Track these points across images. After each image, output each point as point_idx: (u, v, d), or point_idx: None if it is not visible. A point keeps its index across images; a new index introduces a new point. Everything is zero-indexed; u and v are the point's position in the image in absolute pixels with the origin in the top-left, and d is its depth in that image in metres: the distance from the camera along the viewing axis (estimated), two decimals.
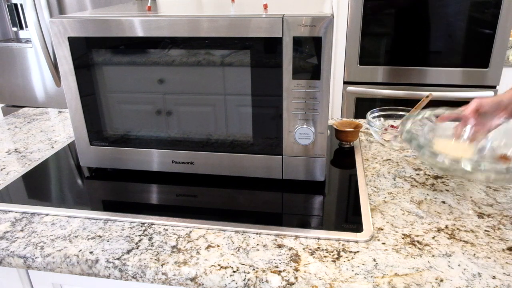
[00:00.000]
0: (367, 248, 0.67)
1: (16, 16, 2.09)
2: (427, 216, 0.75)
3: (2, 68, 2.20)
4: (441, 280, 0.60)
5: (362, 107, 1.98)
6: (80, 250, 0.69)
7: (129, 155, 0.90)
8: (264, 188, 0.86)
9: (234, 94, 0.81)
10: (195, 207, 0.79)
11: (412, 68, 1.86)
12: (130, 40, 0.80)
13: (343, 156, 1.00)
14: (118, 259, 0.66)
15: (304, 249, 0.68)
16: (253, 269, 0.63)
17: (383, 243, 0.68)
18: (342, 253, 0.66)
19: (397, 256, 0.66)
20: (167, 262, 0.65)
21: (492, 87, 1.83)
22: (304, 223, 0.73)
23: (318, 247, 0.68)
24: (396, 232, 0.71)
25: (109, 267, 0.66)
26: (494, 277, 0.61)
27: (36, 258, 0.68)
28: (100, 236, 0.72)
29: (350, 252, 0.67)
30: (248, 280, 0.62)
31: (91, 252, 0.68)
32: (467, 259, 0.64)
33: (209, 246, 0.69)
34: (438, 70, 1.84)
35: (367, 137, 1.11)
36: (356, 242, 0.69)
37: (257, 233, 0.72)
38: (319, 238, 0.70)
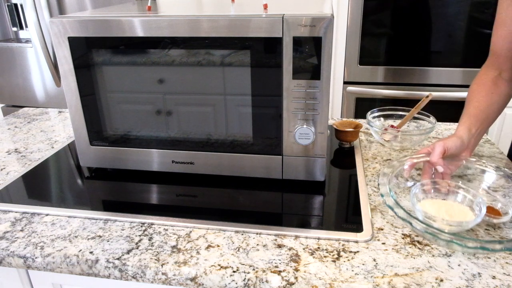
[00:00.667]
0: (367, 248, 0.67)
1: (16, 16, 2.09)
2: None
3: (2, 68, 2.19)
4: (441, 280, 0.60)
5: (362, 107, 1.98)
6: (80, 250, 0.69)
7: (129, 155, 0.90)
8: (264, 188, 0.86)
9: (234, 94, 0.81)
10: (195, 207, 0.79)
11: (412, 68, 1.86)
12: (130, 40, 0.80)
13: (343, 156, 1.00)
14: (118, 259, 0.66)
15: (304, 249, 0.68)
16: (253, 269, 0.63)
17: (383, 243, 0.68)
18: (342, 253, 0.66)
19: (397, 256, 0.66)
20: (167, 262, 0.65)
21: None
22: (304, 223, 0.73)
23: (318, 247, 0.68)
24: (396, 232, 0.71)
25: (109, 267, 0.66)
26: (494, 277, 0.61)
27: (36, 258, 0.68)
28: (100, 236, 0.72)
29: (350, 252, 0.67)
30: (248, 280, 0.62)
31: (91, 252, 0.68)
32: (467, 259, 0.64)
33: (209, 246, 0.69)
34: (438, 70, 1.84)
35: (367, 137, 1.11)
36: (356, 242, 0.69)
37: (257, 233, 0.72)
38: (319, 238, 0.70)
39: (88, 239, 0.71)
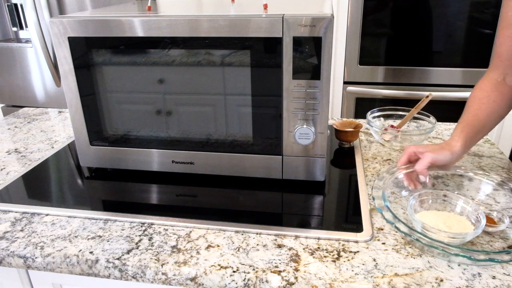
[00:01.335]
0: (367, 248, 0.67)
1: (16, 16, 2.08)
2: None
3: (2, 68, 2.19)
4: (441, 280, 0.60)
5: (362, 107, 1.98)
6: (80, 250, 0.69)
7: (129, 155, 0.90)
8: (264, 188, 0.86)
9: (234, 94, 0.81)
10: (195, 207, 0.79)
11: (412, 68, 1.86)
12: (130, 40, 0.80)
13: (343, 156, 1.00)
14: (118, 259, 0.66)
15: (304, 249, 0.68)
16: (253, 269, 0.63)
17: (383, 243, 0.68)
18: (342, 253, 0.66)
19: (397, 256, 0.66)
20: (167, 262, 0.65)
21: None
22: (304, 223, 0.73)
23: (318, 247, 0.68)
24: (396, 232, 0.71)
25: (109, 267, 0.66)
26: (494, 277, 0.61)
27: (36, 258, 0.68)
28: (100, 236, 0.72)
29: (350, 252, 0.67)
30: (248, 280, 0.62)
31: (91, 252, 0.68)
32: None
33: (209, 246, 0.69)
34: (438, 70, 1.84)
35: (367, 137, 1.11)
36: (356, 242, 0.69)
37: (257, 233, 0.72)
38: (319, 238, 0.70)
39: (88, 239, 0.71)
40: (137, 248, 0.69)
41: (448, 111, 1.87)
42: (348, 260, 0.65)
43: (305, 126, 0.80)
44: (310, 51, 0.75)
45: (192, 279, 0.64)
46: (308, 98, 0.78)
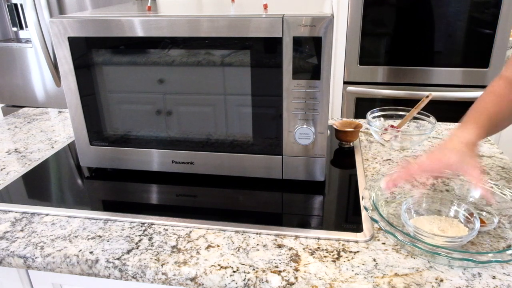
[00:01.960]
0: (367, 248, 0.67)
1: (16, 16, 2.08)
2: (427, 215, 0.74)
3: (2, 68, 2.19)
4: (441, 280, 0.60)
5: (362, 107, 1.98)
6: (80, 250, 0.69)
7: (129, 155, 0.90)
8: (264, 188, 0.86)
9: (234, 94, 0.81)
10: (195, 207, 0.79)
11: (412, 68, 1.86)
12: (130, 40, 0.80)
13: (343, 156, 1.00)
14: (118, 259, 0.66)
15: (304, 249, 0.68)
16: (253, 269, 0.63)
17: (383, 243, 0.68)
18: (342, 253, 0.66)
19: (397, 256, 0.66)
20: (167, 262, 0.65)
21: None
22: (304, 223, 0.73)
23: (318, 247, 0.68)
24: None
25: (109, 267, 0.66)
26: (494, 277, 0.61)
27: (36, 258, 0.68)
28: (100, 236, 0.72)
29: (350, 252, 0.67)
30: (248, 280, 0.62)
31: (91, 252, 0.68)
32: None
33: (209, 246, 0.69)
34: (438, 70, 1.84)
35: (367, 137, 1.11)
36: (356, 242, 0.69)
37: (257, 233, 0.72)
38: (319, 238, 0.70)
39: (88, 239, 0.71)
40: (137, 248, 0.69)
41: (448, 111, 1.87)
42: (348, 260, 0.65)
43: (305, 126, 0.80)
44: (310, 51, 0.75)
45: (192, 279, 0.64)
46: (308, 98, 0.78)
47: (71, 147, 1.09)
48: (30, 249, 0.69)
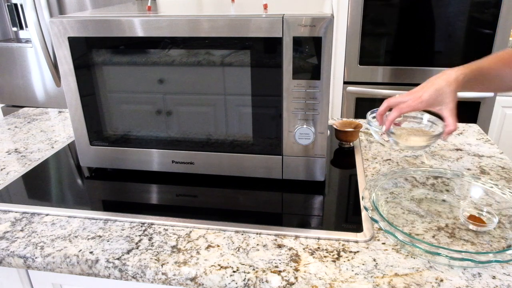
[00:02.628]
0: (367, 248, 0.67)
1: (16, 16, 2.08)
2: (427, 215, 0.75)
3: (2, 68, 2.19)
4: (441, 280, 0.60)
5: (362, 107, 1.98)
6: (80, 250, 0.69)
7: (129, 155, 0.90)
8: (264, 188, 0.86)
9: (234, 94, 0.81)
10: (195, 207, 0.79)
11: (412, 68, 1.86)
12: (130, 40, 0.80)
13: (343, 156, 1.00)
14: (118, 259, 0.66)
15: (304, 249, 0.68)
16: (253, 269, 0.63)
17: (383, 243, 0.68)
18: (342, 253, 0.66)
19: (397, 256, 0.66)
20: (167, 262, 0.65)
21: None
22: (304, 223, 0.73)
23: (318, 247, 0.68)
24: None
25: (109, 267, 0.66)
26: (494, 277, 0.61)
27: (36, 258, 0.68)
28: (100, 236, 0.72)
29: (350, 252, 0.67)
30: (248, 280, 0.62)
31: (91, 252, 0.68)
32: None
33: (209, 246, 0.69)
34: (438, 70, 1.84)
35: (367, 137, 1.11)
36: (356, 242, 0.69)
37: (257, 233, 0.72)
38: (319, 238, 0.70)
39: (88, 239, 0.71)
40: (137, 248, 0.69)
41: None
42: (348, 260, 0.65)
43: (305, 126, 0.80)
44: (310, 51, 0.75)
45: (192, 279, 0.64)
46: (308, 98, 0.78)
47: (71, 147, 1.09)
48: (30, 249, 0.69)
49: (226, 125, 0.84)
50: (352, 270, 0.63)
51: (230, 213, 0.77)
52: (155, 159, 0.90)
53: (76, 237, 0.72)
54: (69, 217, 0.78)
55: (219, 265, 0.64)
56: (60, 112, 1.38)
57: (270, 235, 0.71)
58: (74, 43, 0.82)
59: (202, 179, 0.90)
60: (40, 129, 1.22)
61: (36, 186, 0.89)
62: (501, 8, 1.72)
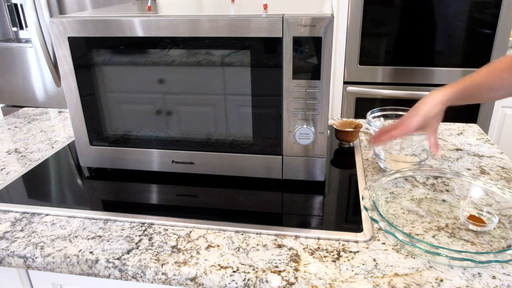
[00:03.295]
0: (367, 248, 0.67)
1: (16, 16, 2.08)
2: (427, 215, 0.75)
3: (2, 68, 2.19)
4: (441, 280, 0.60)
5: (362, 107, 1.98)
6: (80, 250, 0.69)
7: (129, 155, 0.90)
8: (264, 188, 0.86)
9: (234, 94, 0.81)
10: (195, 207, 0.79)
11: (412, 68, 1.86)
12: (130, 40, 0.80)
13: (343, 156, 1.00)
14: (118, 259, 0.66)
15: (304, 249, 0.68)
16: (253, 269, 0.63)
17: (383, 243, 0.68)
18: (342, 253, 0.66)
19: (397, 256, 0.66)
20: (167, 262, 0.65)
21: None
22: (304, 223, 0.73)
23: (318, 247, 0.68)
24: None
25: (109, 267, 0.66)
26: (494, 277, 0.61)
27: (36, 258, 0.68)
28: (100, 236, 0.72)
29: (350, 252, 0.67)
30: (248, 280, 0.62)
31: (91, 252, 0.68)
32: None
33: (209, 246, 0.69)
34: (438, 70, 1.84)
35: (367, 137, 1.11)
36: (356, 242, 0.69)
37: (257, 233, 0.72)
38: (319, 238, 0.70)
39: (88, 239, 0.71)
40: (137, 248, 0.69)
41: (448, 111, 1.87)
42: (348, 260, 0.65)
43: (305, 126, 0.80)
44: (310, 51, 0.75)
45: (192, 279, 0.64)
46: (308, 98, 0.78)
47: (71, 147, 1.09)
48: (30, 249, 0.69)
49: (226, 125, 0.84)
50: (352, 270, 0.63)
51: (230, 213, 0.77)
52: (155, 159, 0.90)
53: (76, 237, 0.72)
54: (69, 217, 0.78)
55: (219, 265, 0.64)
56: (60, 112, 1.38)
57: (270, 235, 0.71)
58: (74, 43, 0.82)
59: (202, 179, 0.90)
60: (40, 129, 1.22)
61: (36, 186, 0.89)
62: (501, 8, 1.72)
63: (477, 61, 1.80)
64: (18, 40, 2.16)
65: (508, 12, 1.72)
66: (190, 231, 0.73)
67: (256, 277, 0.62)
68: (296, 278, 0.61)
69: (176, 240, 0.71)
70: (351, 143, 1.05)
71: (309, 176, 0.85)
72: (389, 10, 1.79)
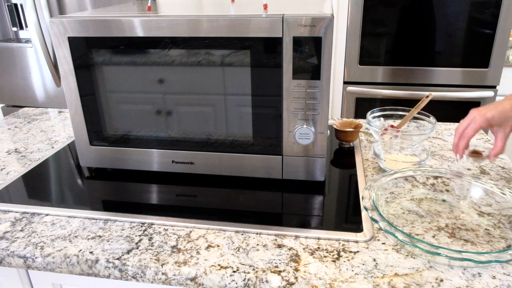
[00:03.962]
0: (367, 248, 0.67)
1: (16, 16, 2.08)
2: (427, 215, 0.75)
3: (2, 68, 2.19)
4: (441, 280, 0.60)
5: (362, 107, 1.98)
6: (80, 250, 0.69)
7: (129, 155, 0.90)
8: (264, 188, 0.86)
9: (234, 94, 0.81)
10: (195, 207, 0.79)
11: (412, 68, 1.86)
12: (130, 40, 0.80)
13: (343, 156, 1.00)
14: (118, 259, 0.66)
15: (304, 249, 0.68)
16: (253, 269, 0.63)
17: (383, 243, 0.68)
18: (342, 253, 0.66)
19: (397, 256, 0.66)
20: (167, 262, 0.65)
21: (492, 87, 1.83)
22: (304, 223, 0.73)
23: (318, 247, 0.68)
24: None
25: (109, 267, 0.66)
26: (494, 277, 0.61)
27: (36, 258, 0.68)
28: (100, 236, 0.72)
29: (350, 252, 0.67)
30: (248, 280, 0.62)
31: (91, 252, 0.68)
32: None
33: (209, 246, 0.69)
34: (438, 70, 1.84)
35: (367, 137, 1.11)
36: (356, 242, 0.69)
37: (257, 233, 0.72)
38: (319, 238, 0.70)
39: (88, 239, 0.71)
40: (137, 248, 0.69)
41: (448, 111, 1.87)
42: (348, 260, 0.65)
43: (305, 126, 0.80)
44: (310, 51, 0.75)
45: (192, 279, 0.64)
46: (308, 98, 0.78)
47: (71, 147, 1.09)
48: (30, 249, 0.69)
49: (226, 125, 0.84)
50: (352, 270, 0.63)
51: (230, 213, 0.77)
52: (155, 159, 0.90)
53: (76, 237, 0.72)
54: (69, 217, 0.78)
55: (219, 265, 0.64)
56: (60, 112, 1.38)
57: (270, 235, 0.71)
58: (74, 43, 0.82)
59: (202, 179, 0.90)
60: (40, 129, 1.22)
61: (36, 186, 0.89)
62: (501, 8, 1.72)
63: (477, 61, 1.80)
64: (18, 40, 2.16)
65: (508, 12, 1.72)
66: (190, 231, 0.73)
67: (256, 277, 0.62)
68: (296, 278, 0.61)
69: (176, 240, 0.71)
70: (351, 143, 1.05)
71: (309, 176, 0.85)
72: (389, 10, 1.79)
